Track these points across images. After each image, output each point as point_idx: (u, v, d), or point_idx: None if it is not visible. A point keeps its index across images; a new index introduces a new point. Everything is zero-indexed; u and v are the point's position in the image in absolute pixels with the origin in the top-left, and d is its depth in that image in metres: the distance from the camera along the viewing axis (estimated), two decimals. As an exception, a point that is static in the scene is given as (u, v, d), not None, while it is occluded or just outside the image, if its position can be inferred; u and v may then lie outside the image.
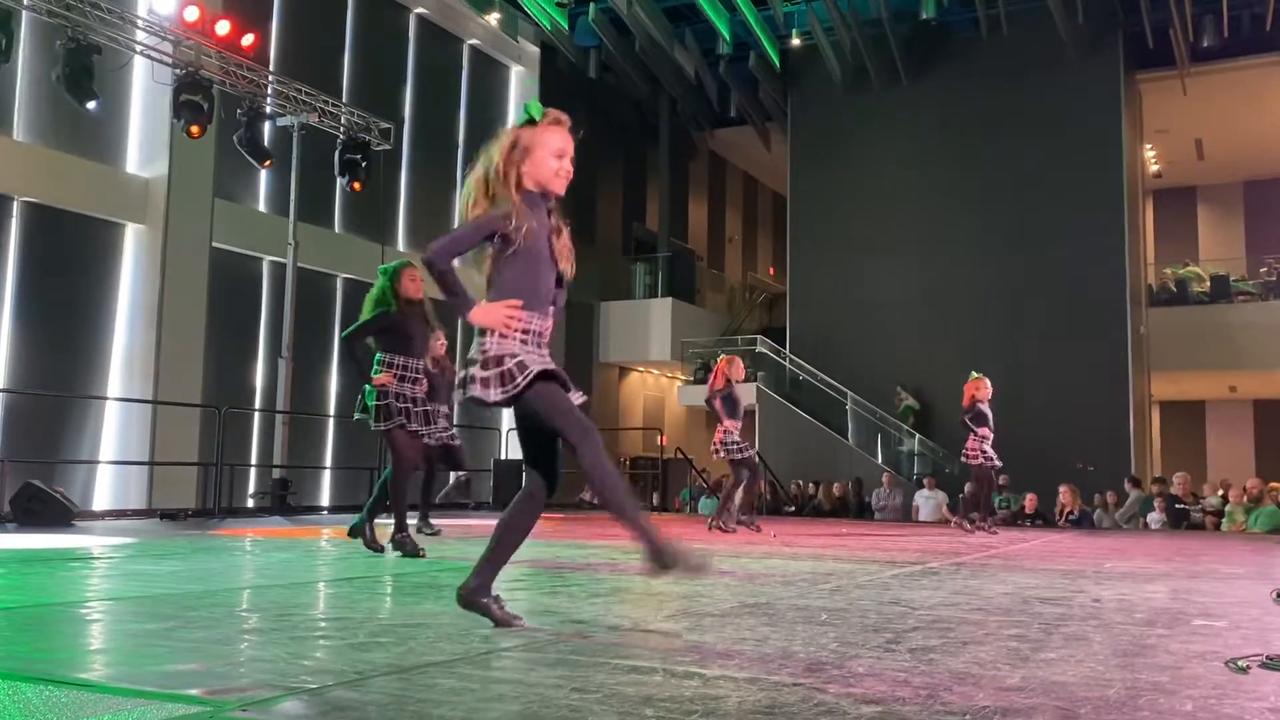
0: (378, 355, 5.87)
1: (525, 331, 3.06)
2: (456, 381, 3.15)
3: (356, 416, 6.12)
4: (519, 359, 3.01)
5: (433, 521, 8.23)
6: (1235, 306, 19.86)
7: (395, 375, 5.81)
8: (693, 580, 2.90)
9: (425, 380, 6.01)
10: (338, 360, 15.22)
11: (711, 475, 17.68)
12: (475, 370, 3.06)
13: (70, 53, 10.40)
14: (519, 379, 2.98)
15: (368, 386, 5.86)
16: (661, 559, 2.95)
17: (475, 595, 3.12)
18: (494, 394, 3.00)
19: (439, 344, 8.25)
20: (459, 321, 17.27)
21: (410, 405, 5.83)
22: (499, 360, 3.01)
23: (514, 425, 3.22)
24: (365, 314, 5.91)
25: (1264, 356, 19.19)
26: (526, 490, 3.15)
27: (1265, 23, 17.00)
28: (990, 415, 9.74)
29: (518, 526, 3.15)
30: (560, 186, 3.17)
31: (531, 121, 3.13)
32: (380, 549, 5.85)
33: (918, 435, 17.71)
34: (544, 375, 3.02)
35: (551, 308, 3.17)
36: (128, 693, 2.17)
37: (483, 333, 3.07)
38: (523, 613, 3.60)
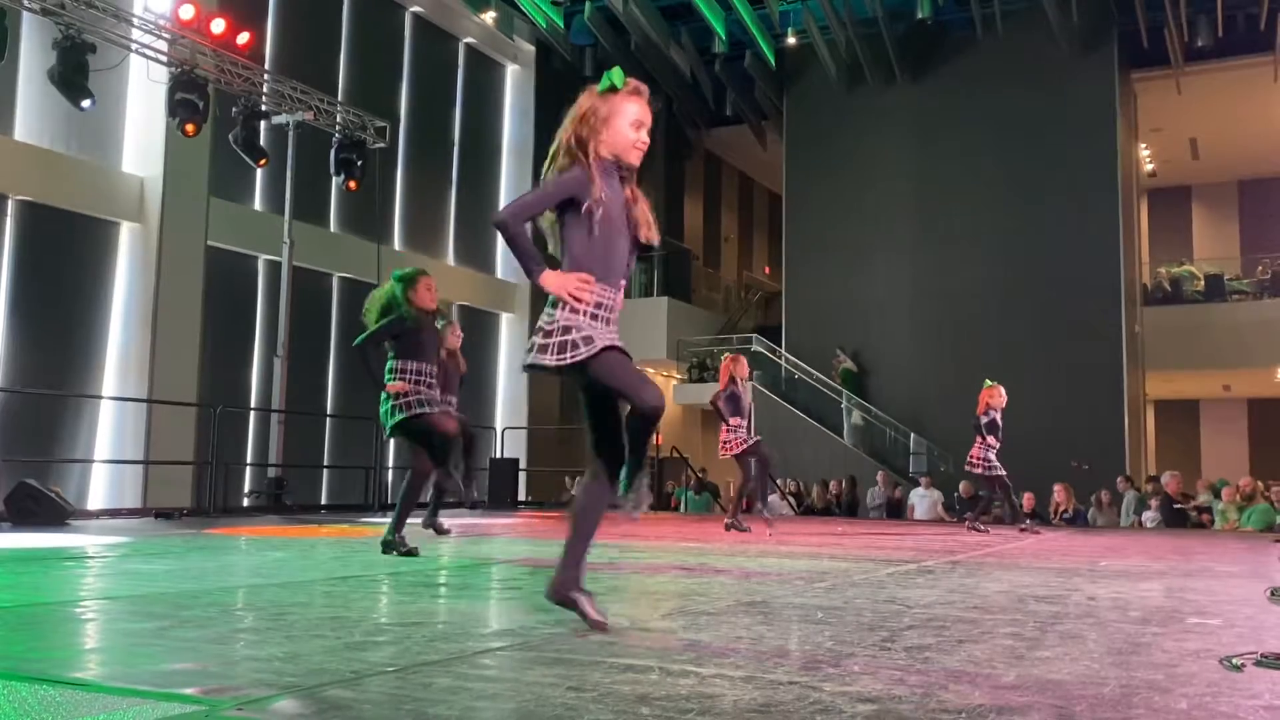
0: (390, 363, 5.81)
1: (597, 305, 2.99)
2: (527, 350, 3.10)
3: (389, 434, 5.97)
4: (586, 333, 2.95)
5: (442, 521, 8.18)
6: (1230, 305, 19.91)
7: (410, 381, 5.75)
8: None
9: (438, 387, 5.98)
10: (334, 360, 15.20)
11: (709, 474, 17.69)
12: (538, 338, 3.00)
13: (65, 51, 10.36)
14: (582, 349, 2.92)
15: (384, 395, 5.78)
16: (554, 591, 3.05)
17: (564, 590, 3.08)
18: (551, 359, 2.94)
19: (454, 336, 8.27)
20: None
21: (430, 397, 5.81)
22: (564, 331, 2.95)
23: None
24: (371, 317, 5.83)
25: (1258, 355, 19.25)
26: (591, 473, 3.12)
27: (1259, 22, 17.04)
28: (1000, 425, 9.74)
29: (592, 510, 3.13)
30: (636, 157, 3.10)
31: (612, 89, 3.07)
32: (415, 550, 5.73)
33: (903, 427, 17.74)
34: (609, 349, 2.96)
35: (623, 281, 3.11)
36: (123, 692, 2.17)
37: (554, 304, 2.99)
38: (519, 610, 3.60)
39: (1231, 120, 20.53)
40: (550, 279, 2.95)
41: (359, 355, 5.85)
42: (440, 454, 5.85)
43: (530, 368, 3.00)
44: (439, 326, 7.03)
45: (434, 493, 8.33)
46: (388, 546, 5.70)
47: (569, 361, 2.92)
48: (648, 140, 3.11)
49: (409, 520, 5.90)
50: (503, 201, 19.29)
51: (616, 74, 3.09)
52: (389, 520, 5.88)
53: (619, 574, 5.02)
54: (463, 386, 8.64)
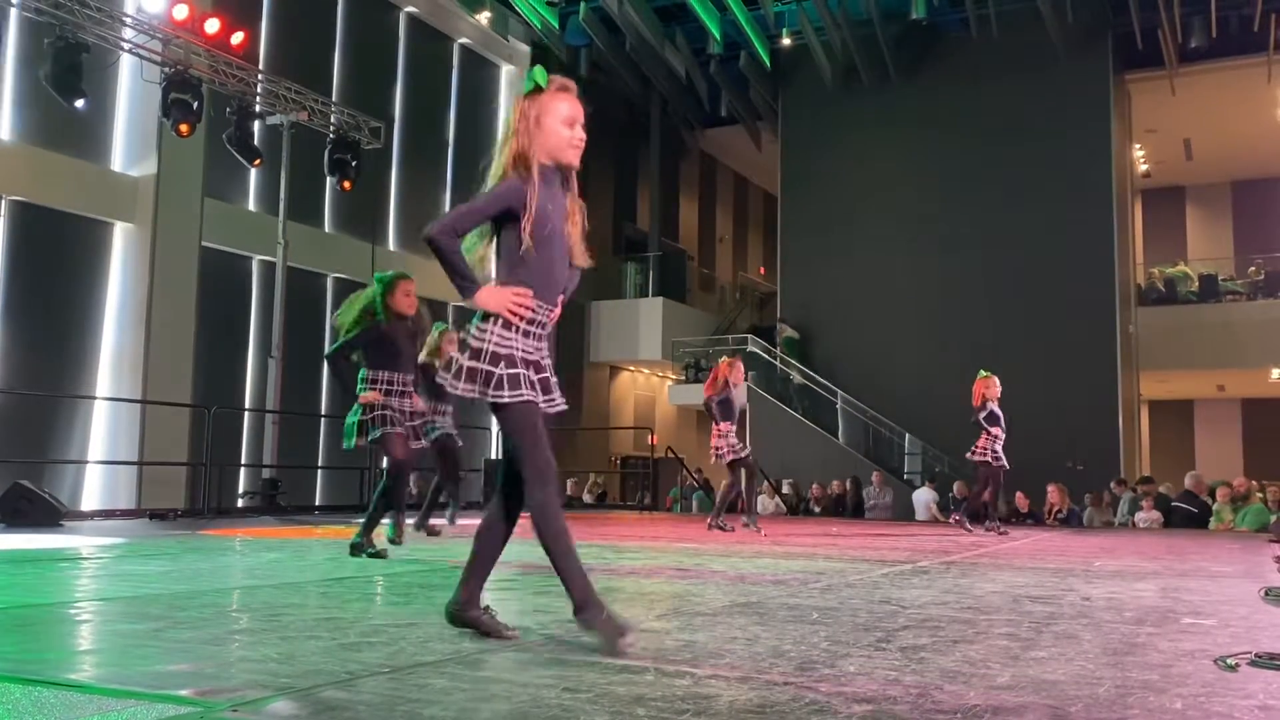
0: (362, 372, 5.64)
1: (531, 322, 2.88)
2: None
3: (347, 445, 5.71)
4: (516, 372, 2.84)
5: (434, 523, 8.14)
6: (1223, 306, 19.96)
7: (381, 391, 5.58)
8: (605, 655, 2.77)
9: (413, 395, 5.80)
10: (326, 370, 15.20)
11: (704, 475, 17.70)
12: (464, 359, 2.88)
13: (58, 51, 10.35)
14: (505, 392, 2.82)
15: (356, 406, 5.61)
16: (586, 617, 2.81)
17: (464, 609, 2.97)
18: (474, 390, 2.84)
19: (450, 344, 8.05)
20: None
21: (400, 416, 5.63)
22: (494, 359, 2.84)
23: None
24: (347, 322, 5.66)
25: (1252, 355, 19.30)
26: (502, 492, 2.98)
27: (1253, 24, 17.08)
28: (1001, 415, 9.71)
29: (495, 532, 3.00)
30: (573, 157, 2.96)
31: (538, 89, 2.94)
32: (383, 552, 5.66)
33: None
34: (527, 404, 2.86)
35: (561, 296, 2.98)
36: (117, 693, 2.17)
37: (485, 317, 2.88)
38: (513, 612, 3.59)
39: (1225, 121, 20.58)
40: (485, 296, 2.84)
41: (330, 365, 5.73)
42: (391, 482, 5.67)
43: (448, 386, 2.90)
44: (436, 331, 6.94)
45: (430, 494, 8.32)
46: (355, 549, 5.61)
47: (490, 400, 2.83)
48: (583, 136, 2.97)
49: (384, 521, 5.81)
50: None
51: (539, 72, 2.96)
52: (389, 521, 5.82)
53: (614, 575, 5.02)
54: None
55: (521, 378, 2.85)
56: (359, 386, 5.60)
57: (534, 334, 2.91)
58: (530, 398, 2.86)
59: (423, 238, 2.86)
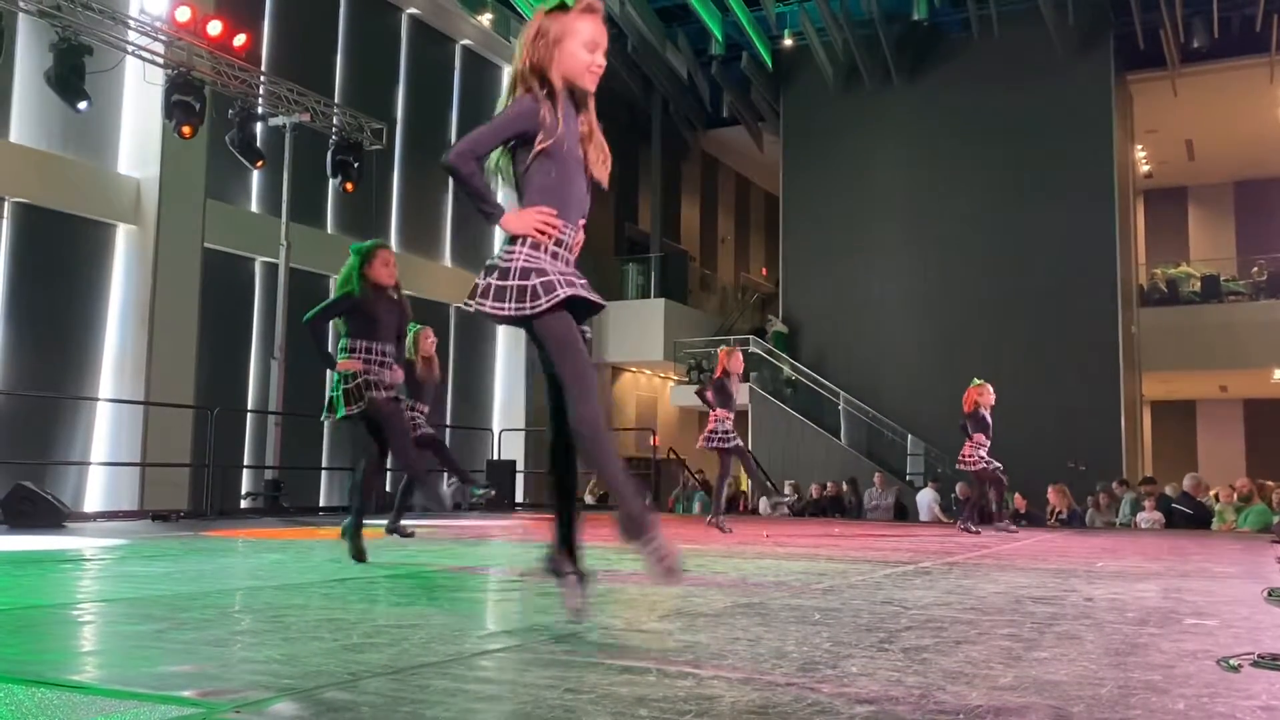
0: (342, 341, 5.49)
1: (558, 243, 2.79)
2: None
3: (339, 416, 5.45)
4: (547, 278, 2.72)
5: (404, 524, 7.92)
6: (1226, 306, 19.96)
7: (360, 359, 5.40)
8: (657, 583, 2.71)
9: (397, 367, 5.60)
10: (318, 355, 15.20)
11: (704, 476, 17.69)
12: (493, 279, 2.76)
13: (61, 53, 10.36)
14: (542, 299, 2.69)
15: (335, 376, 5.42)
16: (632, 528, 2.72)
17: (548, 559, 2.94)
18: (509, 308, 2.73)
19: (428, 341, 7.99)
20: (449, 323, 17.31)
21: (380, 383, 5.42)
22: (524, 274, 2.73)
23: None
24: (336, 293, 5.54)
25: (1254, 356, 19.29)
26: (554, 423, 2.89)
27: (1255, 24, 17.08)
28: (990, 423, 9.74)
29: (564, 462, 2.95)
30: (591, 82, 2.86)
31: (563, 6, 2.82)
32: (411, 533, 5.53)
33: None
34: (565, 304, 2.75)
35: (582, 220, 2.89)
36: (120, 694, 2.17)
37: (511, 240, 2.78)
38: (515, 614, 3.60)
39: (1227, 121, 20.58)
40: (510, 220, 2.77)
41: (309, 331, 5.52)
42: (397, 441, 5.51)
43: (482, 314, 2.79)
44: (411, 330, 6.82)
45: (400, 495, 7.96)
46: (390, 531, 5.55)
47: (528, 313, 2.72)
48: (603, 63, 2.87)
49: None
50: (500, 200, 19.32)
51: None
52: (384, 522, 5.77)
53: (616, 577, 5.02)
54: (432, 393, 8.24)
55: (556, 281, 2.74)
56: (339, 355, 5.45)
57: (561, 255, 2.81)
58: (565, 295, 2.73)
59: (440, 164, 2.77)
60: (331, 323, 5.63)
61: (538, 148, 2.76)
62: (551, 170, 2.78)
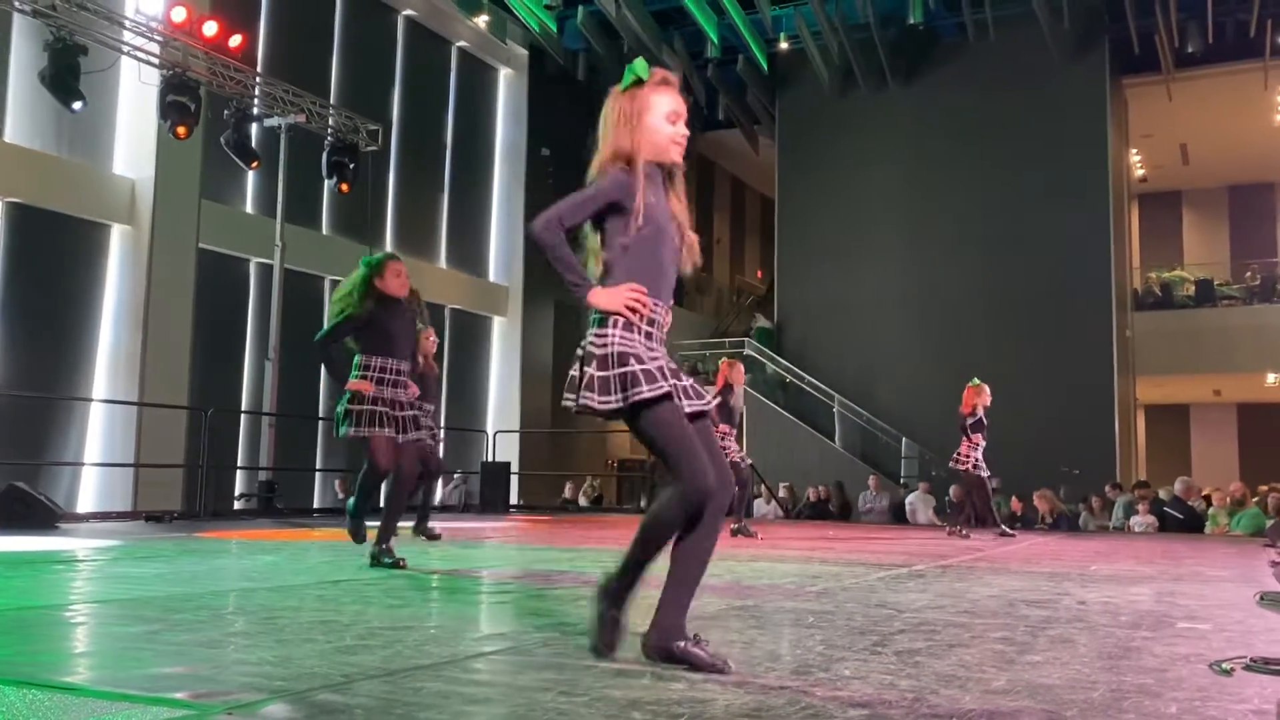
0: (356, 358, 5.32)
1: (650, 323, 2.67)
2: (568, 384, 2.73)
3: (337, 434, 5.34)
4: (645, 366, 2.59)
5: (432, 526, 8.04)
6: (1220, 310, 20.00)
7: (374, 379, 5.24)
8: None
9: (410, 383, 5.49)
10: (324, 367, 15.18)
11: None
12: (591, 370, 2.62)
13: (56, 52, 10.34)
14: (644, 388, 2.56)
15: (345, 394, 5.28)
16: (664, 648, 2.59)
17: (665, 640, 2.59)
18: (614, 400, 2.59)
19: (430, 341, 8.02)
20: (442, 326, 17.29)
21: (390, 410, 5.27)
22: (621, 360, 2.60)
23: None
24: (334, 309, 5.36)
25: (1248, 360, 19.34)
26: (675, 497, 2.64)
27: (1249, 29, 17.11)
28: (985, 424, 9.79)
29: (695, 550, 2.69)
30: (678, 154, 2.77)
31: (638, 82, 2.75)
32: (401, 562, 5.37)
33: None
34: (668, 396, 2.60)
35: (672, 300, 2.78)
36: (112, 696, 2.16)
37: (602, 323, 2.65)
38: (510, 616, 3.59)
39: (1222, 126, 20.63)
40: (599, 296, 2.63)
41: (320, 353, 5.35)
42: (365, 482, 5.37)
43: (583, 409, 2.63)
44: (418, 327, 6.79)
45: (422, 497, 8.16)
46: (375, 559, 5.32)
47: (630, 403, 2.58)
48: (687, 133, 2.79)
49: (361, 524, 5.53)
50: (494, 205, 19.32)
51: (640, 65, 2.75)
52: (378, 524, 5.68)
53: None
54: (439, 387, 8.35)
55: (657, 371, 2.61)
56: (352, 373, 5.29)
57: (655, 335, 2.70)
58: (669, 389, 2.60)
59: (528, 233, 2.67)
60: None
61: (629, 224, 2.67)
62: (641, 248, 2.69)
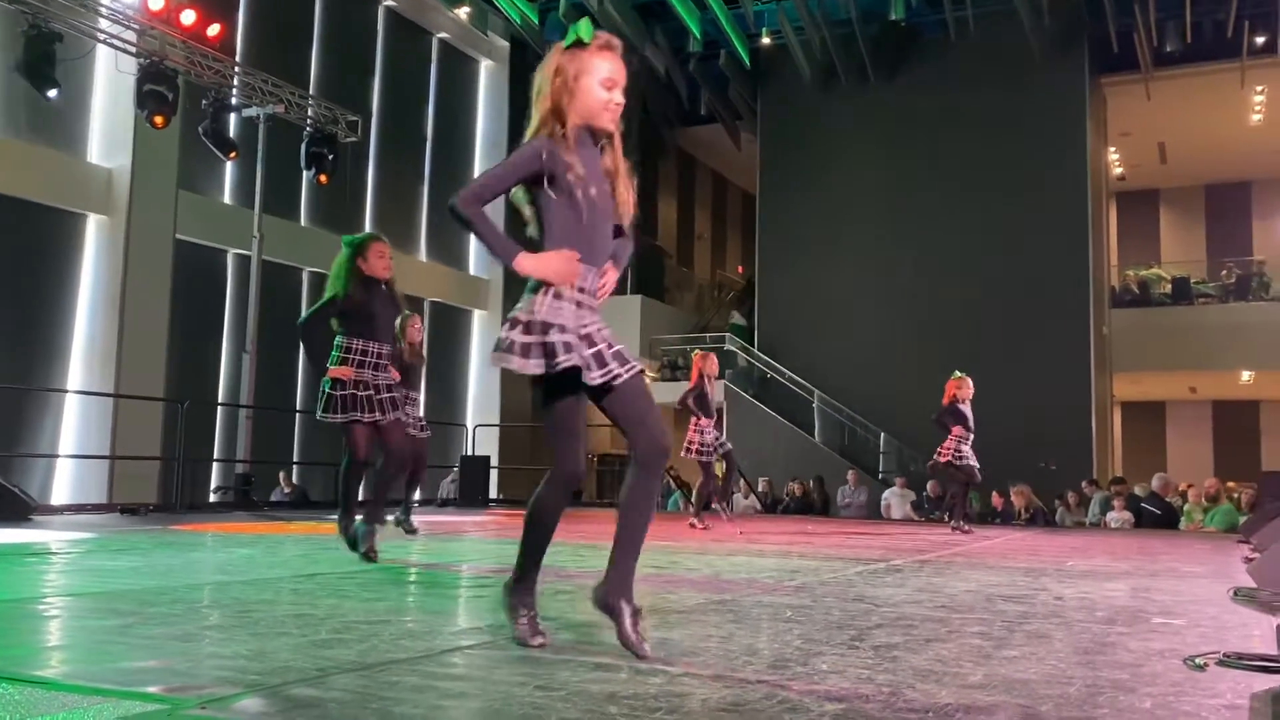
0: (337, 339, 5.28)
1: (580, 289, 2.69)
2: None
3: (319, 415, 5.32)
4: (566, 338, 2.63)
5: (413, 520, 8.00)
6: (1196, 308, 20.18)
7: (354, 362, 5.21)
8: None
9: (391, 366, 5.45)
10: (303, 355, 15.10)
11: (676, 472, 17.70)
12: (516, 334, 2.66)
13: (31, 40, 10.23)
14: (559, 359, 2.61)
15: (326, 378, 5.24)
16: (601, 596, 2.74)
17: (606, 596, 2.74)
18: (533, 364, 2.64)
19: (416, 328, 7.98)
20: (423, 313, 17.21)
21: (372, 394, 5.25)
22: (544, 328, 2.64)
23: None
24: (327, 291, 5.27)
25: (1223, 358, 19.52)
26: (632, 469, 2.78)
27: (1227, 29, 17.24)
28: (970, 415, 9.76)
29: (633, 514, 2.77)
30: (609, 121, 2.75)
31: (579, 44, 2.72)
32: (371, 553, 5.35)
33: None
34: (579, 381, 2.66)
35: (610, 262, 2.79)
36: (84, 690, 2.14)
37: (534, 289, 2.68)
38: (487, 610, 3.58)
39: (1199, 125, 20.79)
40: (529, 263, 2.65)
41: (302, 335, 5.30)
42: (347, 474, 5.34)
43: (504, 366, 2.70)
44: (404, 313, 6.72)
45: (405, 490, 8.14)
46: (352, 545, 5.26)
47: (547, 371, 2.64)
48: (622, 101, 2.77)
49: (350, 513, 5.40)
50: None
51: (584, 26, 2.75)
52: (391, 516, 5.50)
53: (589, 574, 5.01)
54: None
55: (579, 341, 2.67)
56: (332, 354, 5.25)
57: (586, 304, 2.72)
58: (579, 361, 2.64)
59: (448, 208, 2.69)
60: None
61: (554, 191, 2.69)
62: (572, 213, 2.70)
